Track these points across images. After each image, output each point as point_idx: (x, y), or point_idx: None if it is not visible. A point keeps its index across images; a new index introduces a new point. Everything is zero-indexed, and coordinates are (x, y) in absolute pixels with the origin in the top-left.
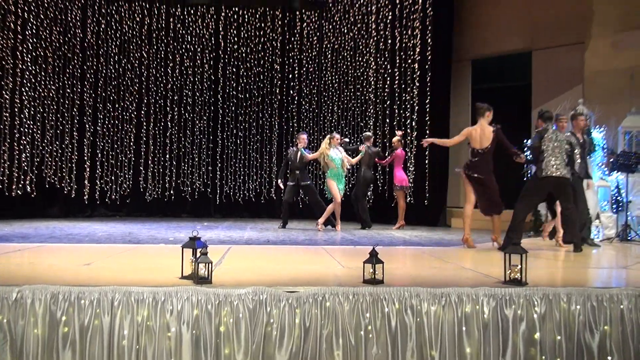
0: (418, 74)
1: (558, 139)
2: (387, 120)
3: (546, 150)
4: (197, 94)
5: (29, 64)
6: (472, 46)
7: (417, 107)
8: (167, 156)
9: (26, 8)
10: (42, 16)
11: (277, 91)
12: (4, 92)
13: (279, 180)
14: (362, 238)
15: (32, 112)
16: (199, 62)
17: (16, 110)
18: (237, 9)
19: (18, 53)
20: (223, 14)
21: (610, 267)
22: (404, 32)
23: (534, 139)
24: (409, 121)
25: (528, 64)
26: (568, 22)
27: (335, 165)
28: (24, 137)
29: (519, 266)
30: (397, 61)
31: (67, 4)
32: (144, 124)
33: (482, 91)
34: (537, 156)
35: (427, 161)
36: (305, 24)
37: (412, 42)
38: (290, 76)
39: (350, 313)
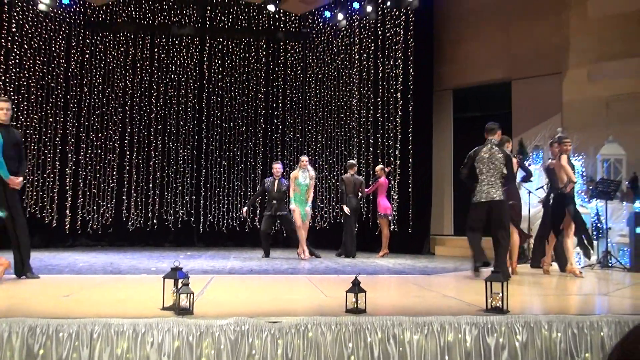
0: (401, 103)
1: (493, 160)
2: (371, 149)
3: (480, 173)
4: (181, 123)
5: (12, 93)
6: (453, 76)
7: (400, 136)
8: (151, 185)
9: (9, 38)
10: (25, 46)
11: (262, 120)
12: None
13: (244, 209)
14: (345, 266)
15: None
16: (183, 91)
17: None
18: (221, 39)
19: (0, 82)
20: (207, 44)
21: (591, 294)
22: (387, 62)
23: (468, 159)
24: (392, 149)
25: (508, 93)
26: (546, 53)
27: (300, 190)
28: None
29: (500, 294)
30: (380, 91)
31: (52, 34)
32: (127, 153)
33: (464, 120)
34: (463, 178)
35: (410, 189)
36: (289, 54)
37: (394, 72)
38: (275, 105)
39: (333, 343)
